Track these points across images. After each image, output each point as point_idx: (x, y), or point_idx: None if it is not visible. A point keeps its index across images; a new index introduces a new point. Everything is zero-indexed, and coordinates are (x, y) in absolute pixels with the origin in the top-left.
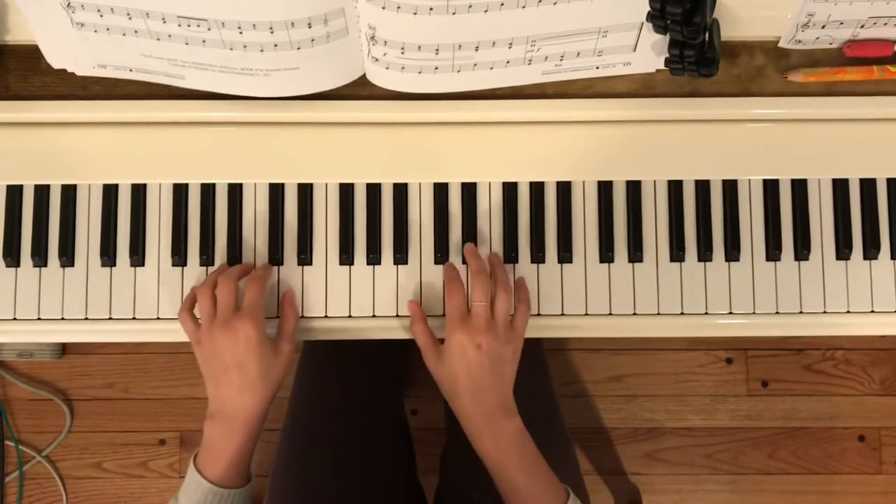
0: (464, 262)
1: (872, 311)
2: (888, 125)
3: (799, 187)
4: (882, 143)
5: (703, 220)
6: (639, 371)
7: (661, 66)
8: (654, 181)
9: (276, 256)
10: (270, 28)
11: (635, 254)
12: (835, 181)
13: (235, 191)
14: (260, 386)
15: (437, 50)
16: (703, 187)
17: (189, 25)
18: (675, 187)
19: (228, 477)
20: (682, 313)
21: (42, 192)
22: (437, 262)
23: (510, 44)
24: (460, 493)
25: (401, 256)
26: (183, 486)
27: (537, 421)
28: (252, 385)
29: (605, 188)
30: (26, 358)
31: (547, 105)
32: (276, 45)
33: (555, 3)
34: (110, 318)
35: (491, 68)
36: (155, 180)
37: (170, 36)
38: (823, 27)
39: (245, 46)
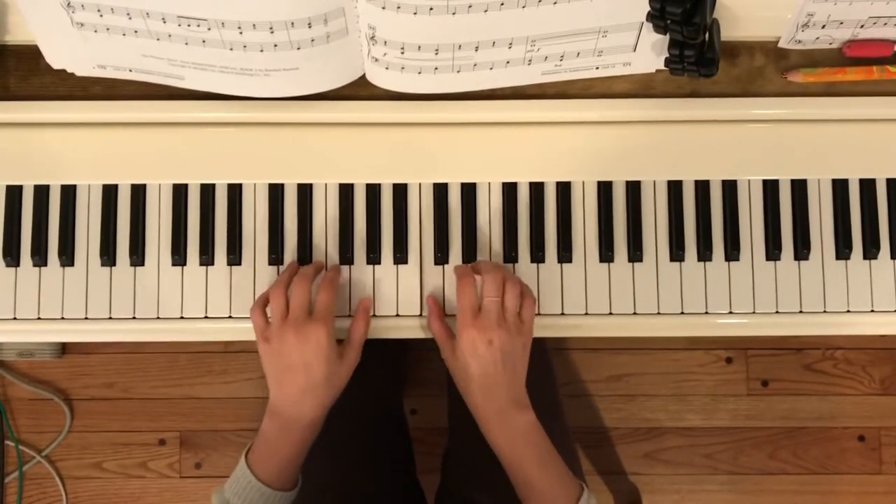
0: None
1: (872, 311)
2: (888, 125)
3: (799, 187)
4: (882, 143)
5: (703, 219)
6: (639, 371)
7: (661, 66)
8: (654, 181)
9: (275, 256)
10: (270, 28)
11: (635, 253)
12: (835, 181)
13: (235, 191)
14: (323, 390)
15: (436, 50)
16: (702, 187)
17: (189, 25)
18: (675, 187)
19: (279, 477)
20: (682, 313)
21: (42, 192)
22: (436, 262)
23: (510, 44)
24: (461, 494)
25: (400, 256)
26: (231, 479)
27: (540, 416)
28: (315, 388)
29: (604, 188)
30: (26, 358)
31: (547, 105)
32: (275, 46)
33: (555, 3)
34: (110, 318)
35: (491, 68)
36: (155, 180)
37: (170, 36)
38: (823, 27)
39: (245, 46)
